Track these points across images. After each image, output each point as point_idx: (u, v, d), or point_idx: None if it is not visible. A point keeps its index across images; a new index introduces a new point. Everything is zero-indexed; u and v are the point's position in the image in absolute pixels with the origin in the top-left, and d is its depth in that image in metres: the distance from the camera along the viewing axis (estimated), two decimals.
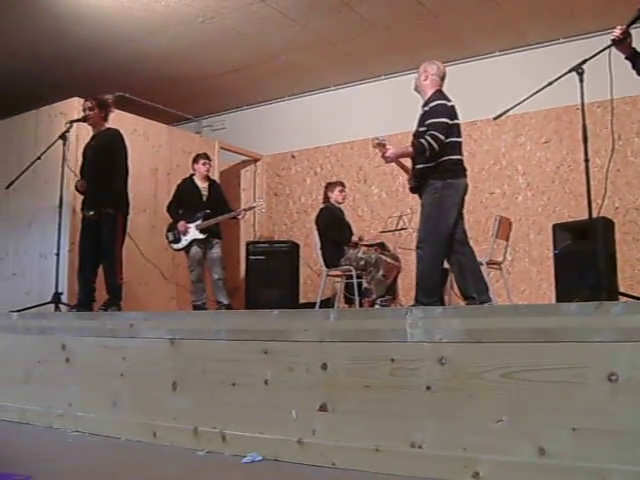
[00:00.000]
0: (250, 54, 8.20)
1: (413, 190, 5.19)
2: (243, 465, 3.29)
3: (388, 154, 5.12)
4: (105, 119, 6.14)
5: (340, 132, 8.90)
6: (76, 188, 6.12)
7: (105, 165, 5.95)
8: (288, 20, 7.26)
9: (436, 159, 4.88)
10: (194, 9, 7.03)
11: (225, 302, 7.10)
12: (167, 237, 7.22)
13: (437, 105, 4.91)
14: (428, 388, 3.00)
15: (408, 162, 5.26)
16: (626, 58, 4.07)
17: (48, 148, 6.10)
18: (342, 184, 7.29)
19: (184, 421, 3.77)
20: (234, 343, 3.73)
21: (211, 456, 3.53)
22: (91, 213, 5.89)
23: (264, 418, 3.47)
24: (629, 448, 2.51)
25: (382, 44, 7.87)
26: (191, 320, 4.24)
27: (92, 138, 6.17)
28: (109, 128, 6.13)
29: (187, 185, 7.30)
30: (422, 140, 4.82)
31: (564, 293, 5.35)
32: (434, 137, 4.79)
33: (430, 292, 4.88)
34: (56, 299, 5.90)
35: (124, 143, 6.05)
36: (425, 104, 5.02)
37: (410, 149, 4.99)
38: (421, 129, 4.93)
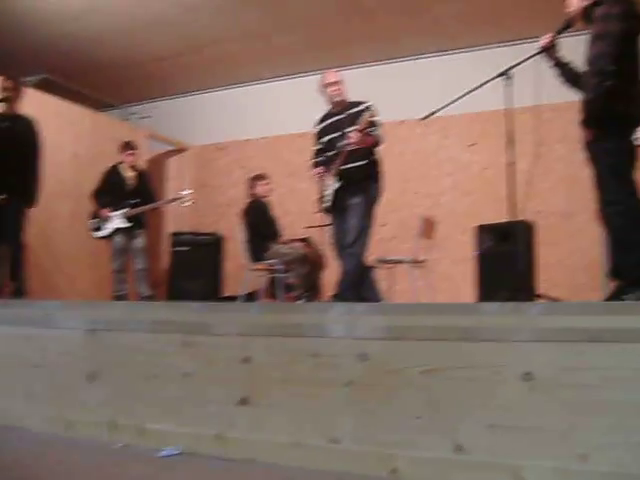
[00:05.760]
0: (179, 43, 8.09)
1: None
2: (159, 459, 3.23)
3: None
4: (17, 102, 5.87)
5: (270, 125, 8.87)
6: None
7: (22, 154, 5.72)
8: (220, 11, 7.18)
9: (369, 157, 5.07)
10: None
11: (147, 293, 7.00)
12: (89, 225, 7.05)
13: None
14: (349, 384, 3.01)
15: None
16: (552, 66, 4.17)
17: None
18: (265, 177, 7.24)
19: (100, 414, 3.67)
20: (154, 335, 3.66)
21: (127, 449, 3.45)
22: (3, 197, 5.61)
23: (183, 411, 3.42)
24: (542, 444, 2.57)
25: (314, 40, 7.88)
26: (111, 311, 4.13)
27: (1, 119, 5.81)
28: (23, 115, 5.85)
29: (113, 173, 7.14)
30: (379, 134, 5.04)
31: (485, 293, 5.46)
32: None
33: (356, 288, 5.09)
34: None
35: (40, 134, 5.86)
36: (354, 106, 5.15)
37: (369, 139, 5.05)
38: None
